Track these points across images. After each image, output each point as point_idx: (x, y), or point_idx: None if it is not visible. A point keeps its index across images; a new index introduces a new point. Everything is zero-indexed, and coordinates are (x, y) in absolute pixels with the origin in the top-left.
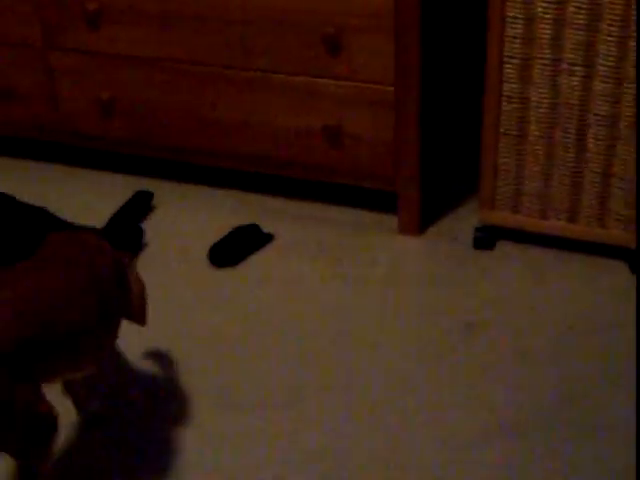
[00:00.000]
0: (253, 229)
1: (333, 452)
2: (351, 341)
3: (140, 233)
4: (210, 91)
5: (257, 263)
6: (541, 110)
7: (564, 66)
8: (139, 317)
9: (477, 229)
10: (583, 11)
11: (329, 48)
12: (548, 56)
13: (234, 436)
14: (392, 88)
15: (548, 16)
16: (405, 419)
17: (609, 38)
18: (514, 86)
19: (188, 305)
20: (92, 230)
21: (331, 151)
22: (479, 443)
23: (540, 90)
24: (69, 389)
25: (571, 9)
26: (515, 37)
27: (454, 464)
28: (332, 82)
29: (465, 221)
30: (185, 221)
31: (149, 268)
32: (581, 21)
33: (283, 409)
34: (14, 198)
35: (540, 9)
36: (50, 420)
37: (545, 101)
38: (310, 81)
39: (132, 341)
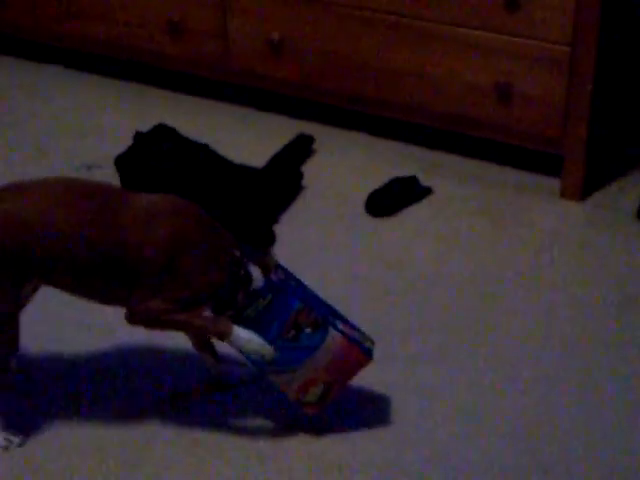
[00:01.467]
0: (411, 181)
1: (483, 406)
2: (501, 303)
3: (299, 176)
4: (379, 39)
5: (413, 215)
6: None
7: None
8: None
9: None
10: None
11: (508, 3)
12: None
13: (385, 388)
14: (568, 48)
15: None
16: (553, 386)
17: None
18: None
19: (340, 251)
20: (251, 173)
21: (499, 109)
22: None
23: None
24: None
25: None
26: None
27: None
28: (507, 38)
29: (631, 190)
30: (344, 168)
31: (305, 211)
32: None
33: (432, 363)
34: (175, 130)
35: None
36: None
37: None
38: (485, 36)
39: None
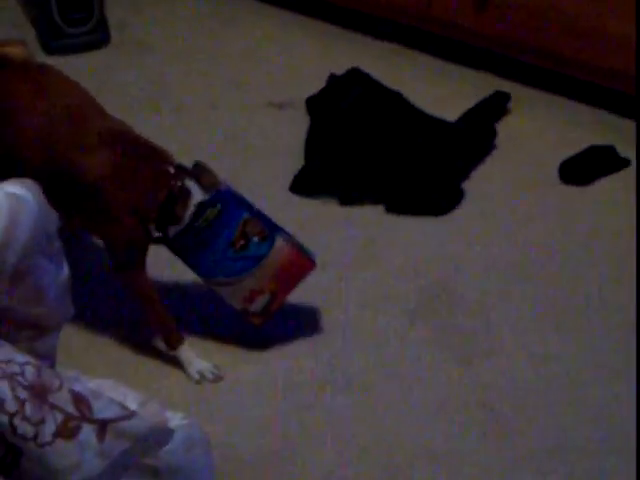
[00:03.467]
0: (609, 151)
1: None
2: None
3: (492, 134)
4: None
5: (608, 186)
6: None
7: None
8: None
9: None
10: None
11: None
12: None
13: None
14: None
15: None
16: None
17: None
18: None
19: (530, 215)
20: None
21: None
22: None
23: None
24: None
25: None
26: None
27: None
28: None
29: None
30: (539, 130)
31: (496, 170)
32: None
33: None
34: (369, 76)
35: None
36: None
37: None
38: None
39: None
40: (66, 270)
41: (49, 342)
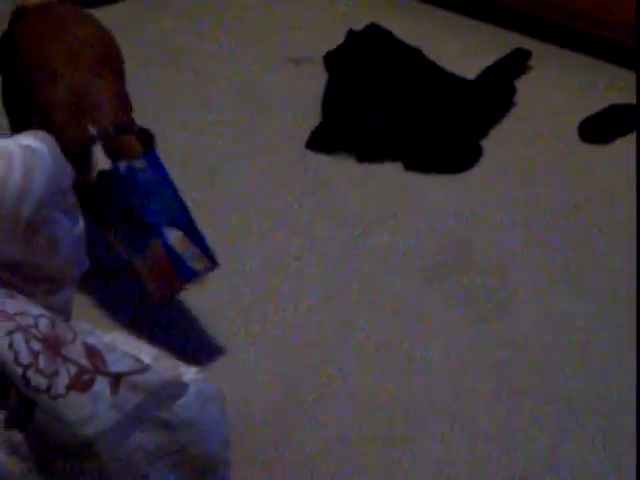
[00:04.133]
0: (630, 110)
1: None
2: None
3: (512, 91)
4: None
5: (628, 145)
6: None
7: None
8: None
9: None
10: None
11: None
12: None
13: None
14: None
15: None
16: None
17: None
18: None
19: (549, 174)
20: None
21: None
22: None
23: None
24: None
25: None
26: None
27: None
28: None
29: None
30: (559, 88)
31: (515, 128)
32: None
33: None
34: (388, 32)
35: None
36: None
37: None
38: None
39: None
40: (81, 224)
41: (64, 296)
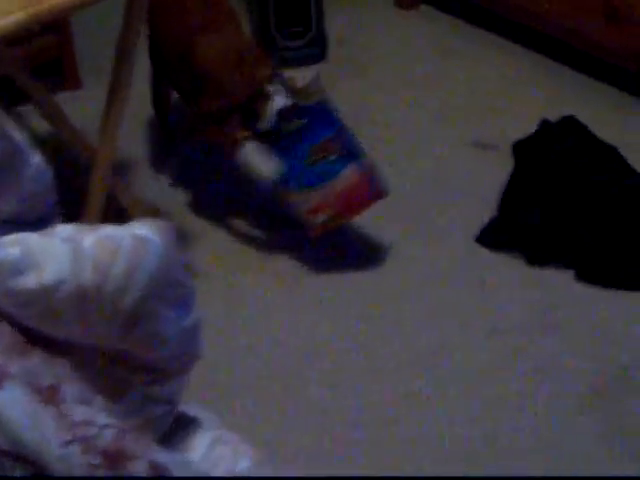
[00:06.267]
0: None
1: None
2: None
3: None
4: None
5: None
6: None
7: None
8: None
9: None
10: None
11: None
12: None
13: None
14: None
15: None
16: None
17: None
18: None
19: None
20: None
21: None
22: None
23: None
24: None
25: None
26: None
27: None
28: None
29: None
30: None
31: None
32: None
33: None
34: (584, 127)
35: None
36: None
37: None
38: None
39: None
40: (194, 315)
41: (170, 388)
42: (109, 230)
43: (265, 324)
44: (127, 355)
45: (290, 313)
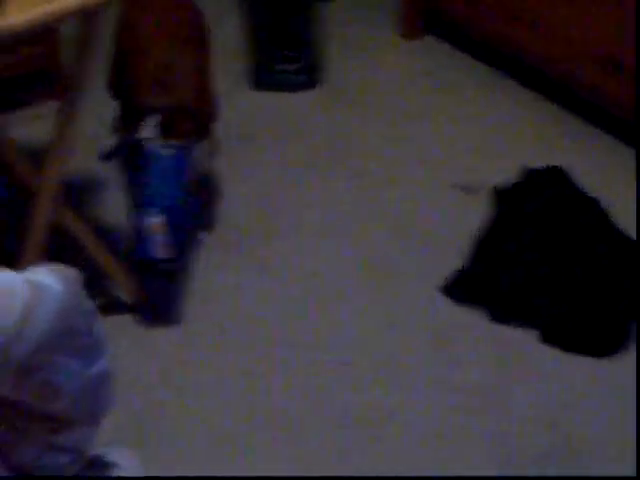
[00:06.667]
0: None
1: None
2: None
3: None
4: None
5: None
6: None
7: None
8: None
9: None
10: None
11: None
12: None
13: None
14: None
15: None
16: None
17: None
18: None
19: None
20: None
21: None
22: None
23: None
24: None
25: None
26: None
27: None
28: None
29: None
30: None
31: None
32: None
33: None
34: (568, 176)
35: None
36: None
37: None
38: None
39: None
40: (101, 364)
41: (75, 436)
42: (4, 275)
43: None
44: (24, 404)
45: None
